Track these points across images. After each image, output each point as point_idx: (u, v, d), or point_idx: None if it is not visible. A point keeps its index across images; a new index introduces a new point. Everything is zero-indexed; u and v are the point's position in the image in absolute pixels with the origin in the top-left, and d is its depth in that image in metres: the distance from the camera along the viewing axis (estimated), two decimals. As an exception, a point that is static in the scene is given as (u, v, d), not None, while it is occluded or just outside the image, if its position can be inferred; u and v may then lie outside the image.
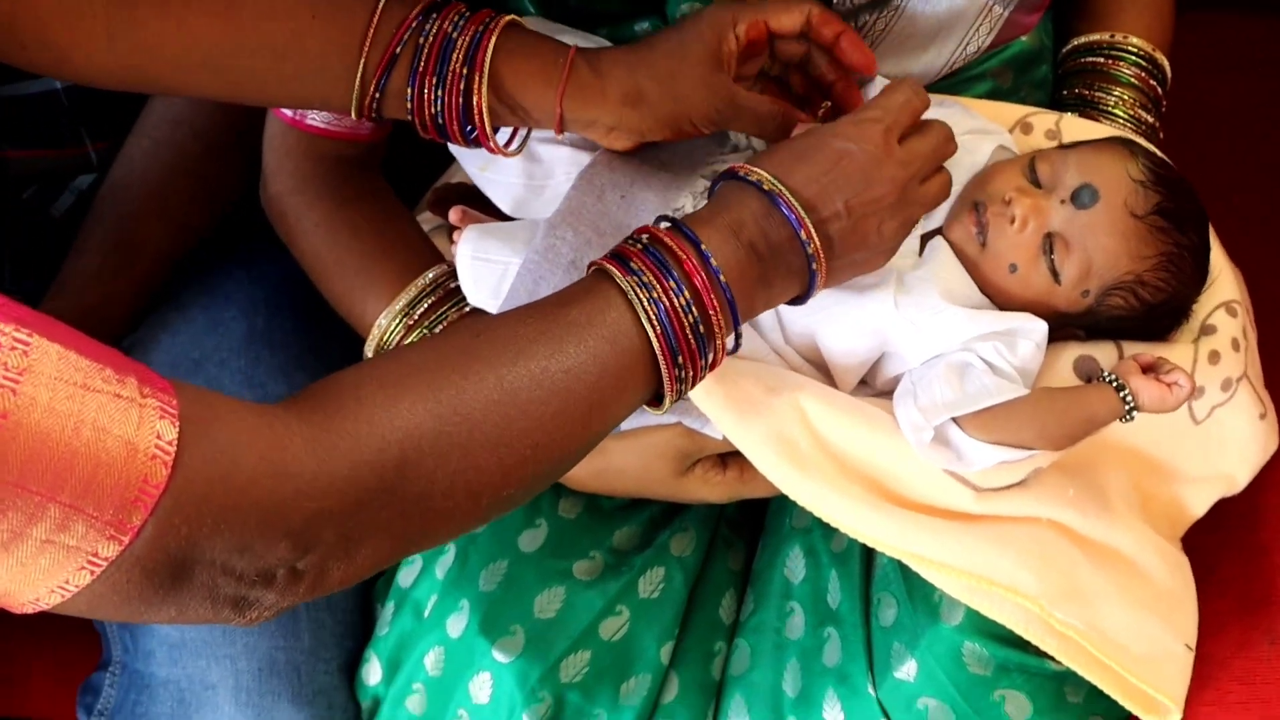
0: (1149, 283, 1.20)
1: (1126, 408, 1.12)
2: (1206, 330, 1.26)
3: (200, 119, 1.46)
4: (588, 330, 0.97)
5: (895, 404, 1.17)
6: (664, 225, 1.03)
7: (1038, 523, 1.16)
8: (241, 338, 1.44)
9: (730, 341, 1.05)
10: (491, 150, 1.16)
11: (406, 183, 1.42)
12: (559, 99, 1.13)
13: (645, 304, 0.98)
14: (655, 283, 0.99)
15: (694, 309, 0.99)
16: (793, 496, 1.16)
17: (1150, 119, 1.42)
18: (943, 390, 1.13)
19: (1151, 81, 1.44)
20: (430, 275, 1.31)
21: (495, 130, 1.16)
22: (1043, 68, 1.45)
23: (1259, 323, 1.30)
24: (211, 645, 1.31)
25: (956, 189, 1.22)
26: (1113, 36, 1.44)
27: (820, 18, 1.17)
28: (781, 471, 1.15)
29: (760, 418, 1.15)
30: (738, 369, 1.17)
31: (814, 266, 1.06)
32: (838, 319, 1.18)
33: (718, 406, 1.15)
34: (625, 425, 1.20)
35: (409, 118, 1.14)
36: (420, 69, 1.12)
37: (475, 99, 1.12)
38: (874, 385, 1.23)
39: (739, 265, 1.03)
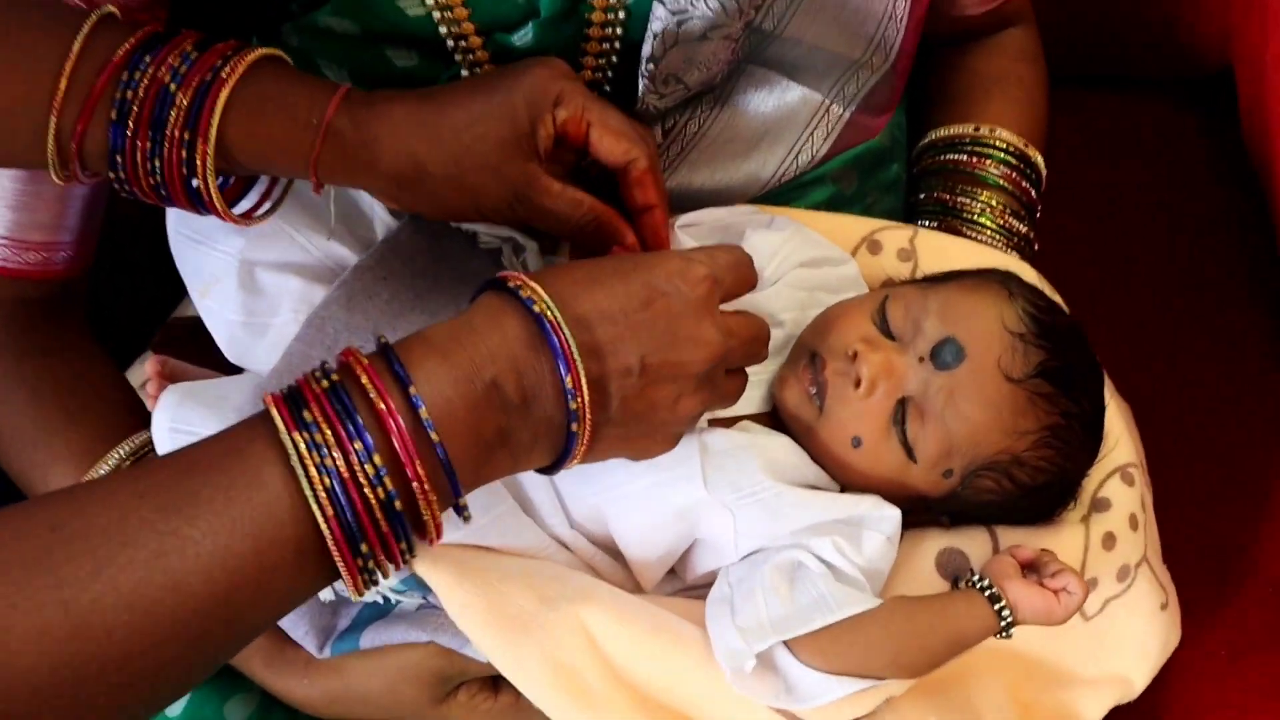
0: (1027, 462, 1.02)
1: (1003, 623, 0.95)
2: (1099, 505, 1.11)
3: None
4: (220, 516, 0.75)
5: (708, 616, 0.99)
6: (369, 352, 0.82)
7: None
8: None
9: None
10: (228, 219, 0.96)
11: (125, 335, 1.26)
12: (312, 172, 0.92)
13: (313, 473, 0.76)
14: (331, 443, 0.77)
15: (386, 481, 0.77)
16: None
17: (1023, 228, 1.27)
18: (768, 603, 0.95)
19: (1024, 184, 1.28)
20: (126, 449, 1.11)
21: (235, 191, 0.97)
22: (893, 167, 1.30)
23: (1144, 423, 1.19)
24: None
25: (775, 355, 1.06)
26: (977, 129, 1.29)
27: (639, 176, 1.01)
28: (562, 708, 0.96)
29: (532, 639, 0.96)
30: (503, 571, 0.98)
31: (574, 428, 0.85)
32: (631, 499, 0.99)
33: (477, 624, 0.96)
34: (365, 643, 1.04)
35: (120, 191, 0.94)
36: (129, 134, 0.89)
37: (200, 170, 0.90)
38: (685, 578, 1.06)
39: (469, 416, 0.81)
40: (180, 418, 1.01)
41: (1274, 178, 1.41)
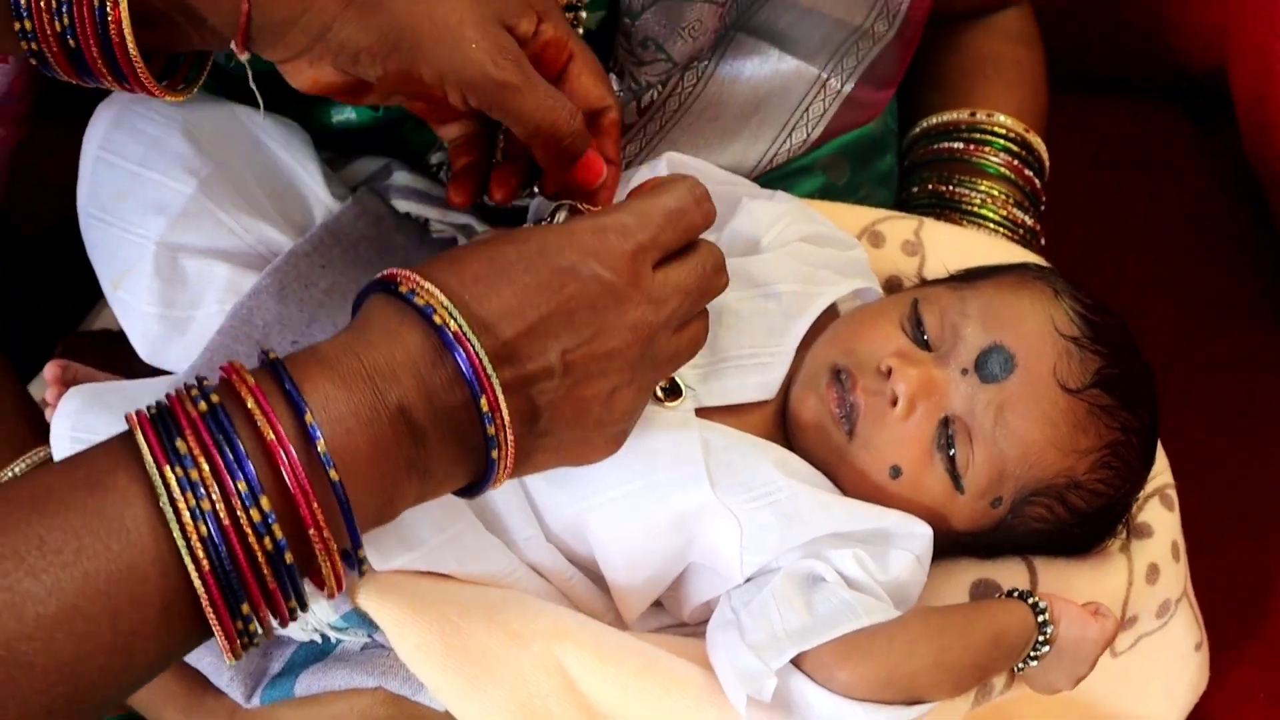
0: (1085, 485, 0.95)
1: (1039, 619, 0.90)
2: (1140, 531, 1.04)
3: None
4: (73, 565, 0.64)
5: (710, 646, 0.90)
6: (257, 372, 0.73)
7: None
8: None
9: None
10: (143, 88, 0.84)
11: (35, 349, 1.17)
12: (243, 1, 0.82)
13: (186, 519, 0.66)
14: (210, 481, 0.66)
15: (275, 529, 0.67)
16: None
17: (1028, 220, 1.23)
18: (784, 615, 0.87)
19: (1027, 172, 1.24)
20: (21, 465, 1.02)
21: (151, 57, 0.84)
22: (887, 157, 1.26)
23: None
24: None
25: (774, 332, 0.97)
26: (975, 115, 1.25)
27: (608, 126, 0.93)
28: None
29: (498, 681, 0.87)
30: (462, 603, 0.89)
31: (494, 455, 0.76)
32: (621, 506, 0.91)
33: (434, 666, 0.87)
34: (300, 689, 0.92)
35: (24, 45, 0.81)
36: None
37: (114, 10, 0.79)
38: (676, 613, 0.98)
39: (372, 449, 0.72)
40: (83, 425, 0.92)
41: (1277, 176, 1.38)
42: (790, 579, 0.89)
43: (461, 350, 0.74)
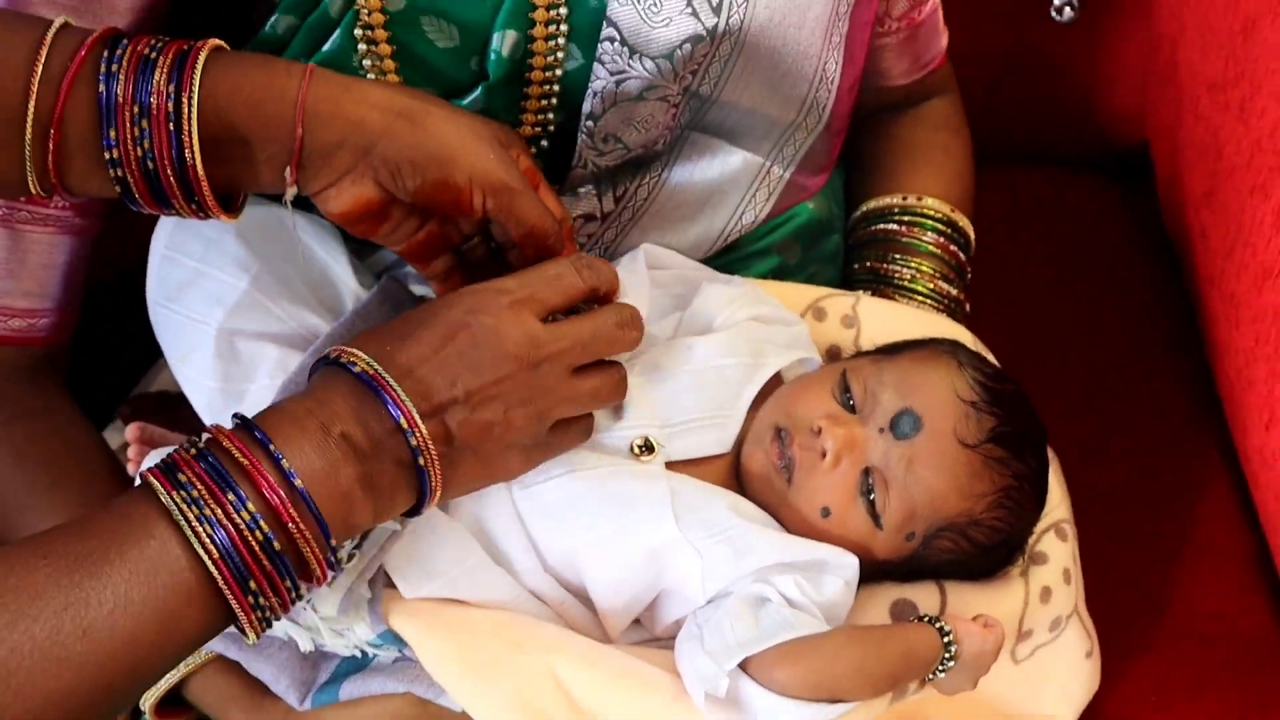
0: (983, 523, 1.06)
1: (945, 639, 1.00)
2: (1036, 559, 1.14)
3: None
4: (118, 568, 0.80)
5: (677, 654, 1.01)
6: (233, 424, 0.88)
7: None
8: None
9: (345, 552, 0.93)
10: (207, 208, 0.95)
11: (100, 395, 1.25)
12: (303, 90, 0.92)
13: (194, 523, 0.82)
14: (207, 496, 0.83)
15: (262, 524, 0.83)
16: None
17: (954, 291, 1.31)
18: (735, 628, 0.98)
19: (953, 247, 1.33)
20: None
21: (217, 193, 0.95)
22: (833, 238, 1.34)
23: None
24: None
25: (728, 398, 1.08)
26: (906, 199, 1.33)
27: (569, 231, 1.06)
28: None
29: (504, 685, 0.98)
30: (475, 623, 1.00)
31: (421, 462, 0.90)
32: (604, 542, 1.02)
33: (451, 672, 0.99)
34: (344, 694, 1.05)
35: (111, 173, 0.91)
36: (119, 97, 0.89)
37: (186, 131, 0.90)
38: (651, 629, 1.08)
39: (328, 467, 0.87)
40: None
41: (1191, 252, 1.47)
42: (742, 600, 0.99)
43: (379, 387, 0.89)
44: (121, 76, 0.89)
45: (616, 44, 1.05)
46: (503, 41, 1.06)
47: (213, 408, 1.10)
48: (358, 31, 1.04)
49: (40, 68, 0.87)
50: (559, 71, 1.08)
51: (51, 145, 0.89)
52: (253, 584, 0.83)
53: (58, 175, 0.90)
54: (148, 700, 1.10)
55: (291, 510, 0.85)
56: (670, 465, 1.05)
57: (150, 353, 1.23)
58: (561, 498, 1.02)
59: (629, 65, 1.06)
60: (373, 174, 0.96)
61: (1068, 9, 1.63)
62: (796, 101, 1.17)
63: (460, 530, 1.02)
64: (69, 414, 1.18)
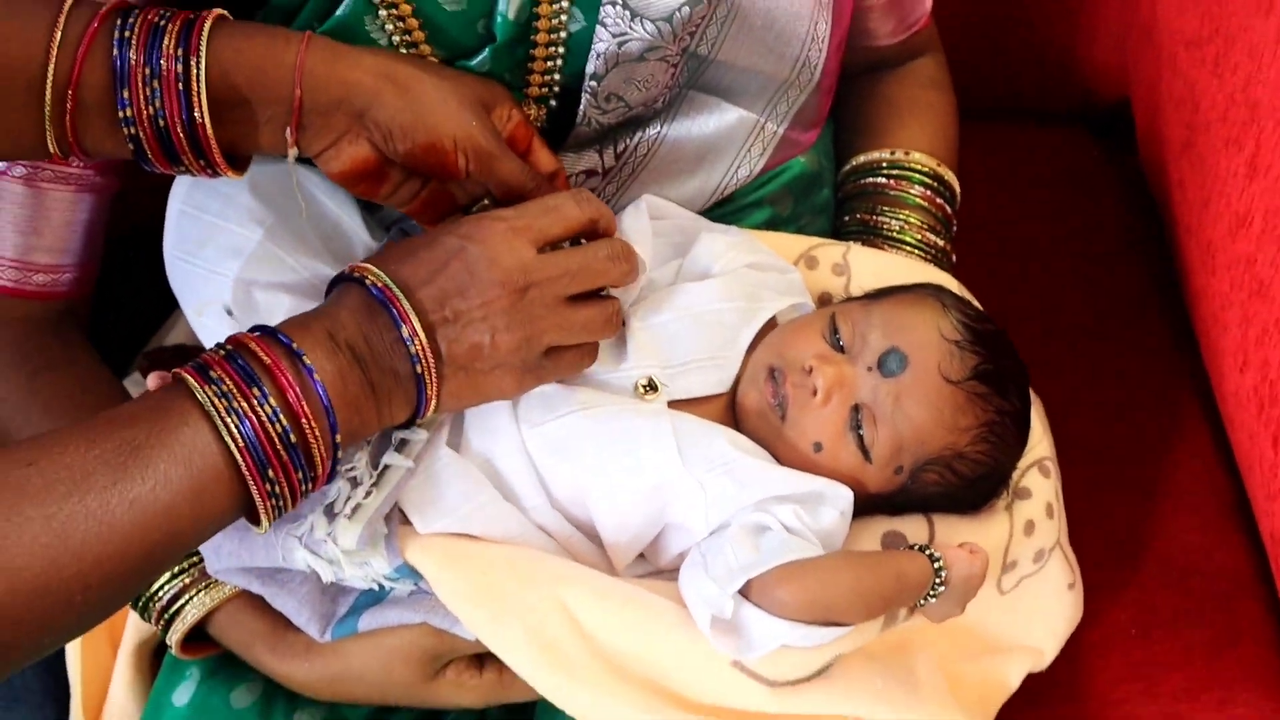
0: (968, 456, 1.10)
1: (935, 565, 1.04)
2: (1020, 494, 1.18)
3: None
4: (158, 451, 0.89)
5: (681, 581, 1.05)
6: (254, 332, 0.95)
7: (843, 721, 1.04)
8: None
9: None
10: (216, 168, 1.01)
11: (118, 346, 1.31)
12: (301, 53, 0.98)
13: (224, 415, 0.90)
14: (235, 391, 0.91)
15: (281, 418, 0.92)
16: (560, 706, 1.03)
17: (940, 242, 1.34)
18: (736, 553, 1.02)
19: (939, 200, 1.36)
20: None
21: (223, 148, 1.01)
22: (824, 191, 1.38)
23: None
24: None
25: (726, 340, 1.13)
26: (894, 154, 1.36)
27: (562, 183, 1.13)
28: (544, 678, 1.02)
29: (516, 615, 1.02)
30: (487, 557, 1.04)
31: (419, 370, 0.97)
32: (611, 476, 1.06)
33: (465, 603, 1.03)
34: (363, 626, 1.09)
35: (125, 131, 0.97)
36: (132, 61, 0.95)
37: (195, 92, 0.96)
38: (655, 562, 1.12)
39: (336, 370, 0.95)
40: None
41: (1170, 203, 1.50)
42: (743, 528, 1.03)
43: (388, 298, 0.96)
44: (134, 42, 0.95)
45: (618, 7, 1.09)
46: (508, 5, 1.10)
47: None
48: None
49: (59, 35, 0.93)
50: (563, 34, 1.12)
51: (69, 107, 0.94)
52: (270, 472, 0.91)
53: (75, 136, 0.96)
54: (174, 636, 1.14)
55: (305, 406, 0.92)
56: (671, 404, 1.09)
57: (166, 305, 1.28)
58: (568, 435, 1.06)
59: (630, 27, 1.10)
60: (367, 135, 1.02)
61: (1050, -35, 1.66)
62: (790, 60, 1.21)
63: (471, 468, 1.06)
64: (91, 364, 1.22)
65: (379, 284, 0.97)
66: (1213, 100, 1.34)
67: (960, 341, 1.10)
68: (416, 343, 0.96)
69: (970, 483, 1.12)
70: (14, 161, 1.11)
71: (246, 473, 0.91)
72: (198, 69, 0.96)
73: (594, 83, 1.14)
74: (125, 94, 0.95)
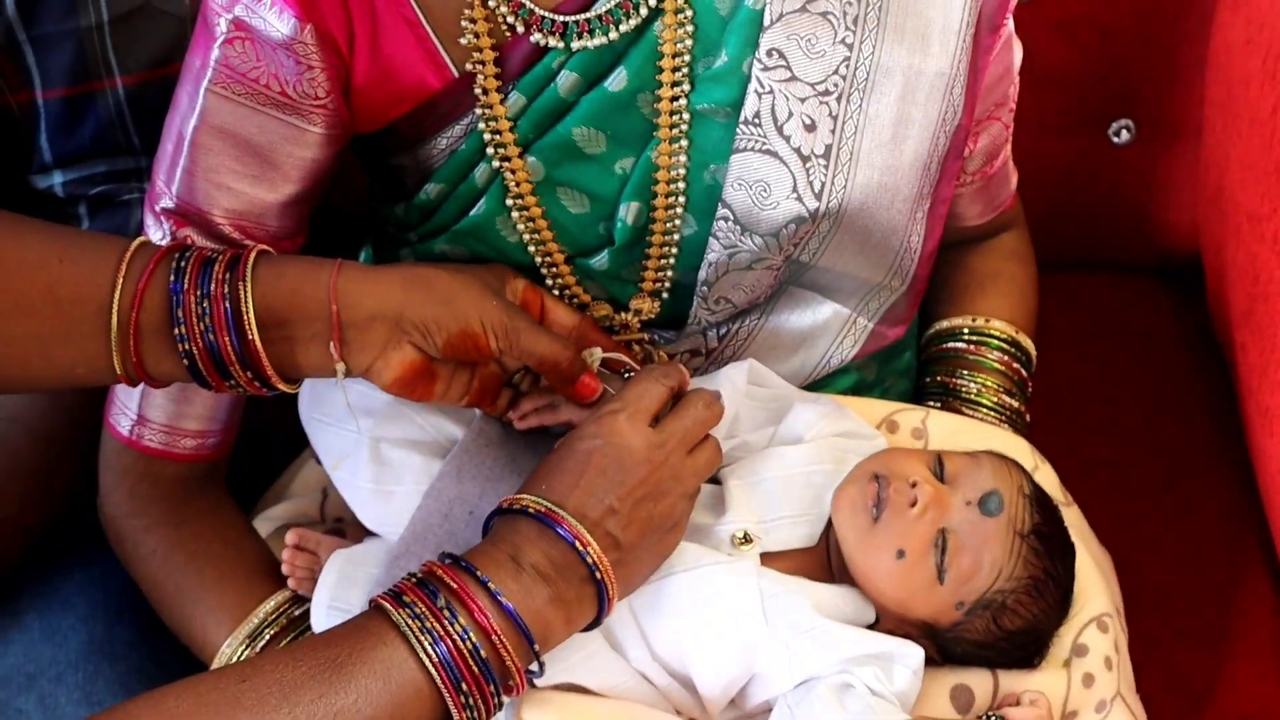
0: (1011, 607, 1.17)
1: None
2: (1079, 651, 1.23)
3: (36, 418, 1.39)
4: (359, 668, 0.98)
5: None
6: (445, 561, 1.04)
7: None
8: (80, 649, 1.37)
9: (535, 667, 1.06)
10: (269, 382, 1.09)
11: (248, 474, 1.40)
12: (334, 275, 1.08)
13: (418, 634, 0.99)
14: (428, 613, 1.00)
15: (472, 637, 1.00)
16: None
17: (1016, 404, 1.41)
18: (824, 713, 1.09)
19: (1015, 364, 1.42)
20: (271, 605, 1.27)
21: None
22: (906, 355, 1.45)
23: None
24: None
25: (815, 500, 1.21)
26: (975, 320, 1.44)
27: (591, 325, 1.22)
28: None
29: None
30: (598, 712, 1.12)
31: (598, 576, 1.06)
32: (704, 636, 1.14)
33: None
34: None
35: (180, 348, 1.06)
36: (184, 286, 1.05)
37: (242, 306, 1.06)
38: (742, 707, 1.18)
39: (523, 590, 1.04)
40: (339, 597, 1.19)
41: (1234, 363, 1.55)
42: (829, 687, 1.11)
43: (552, 519, 1.05)
44: (188, 271, 1.05)
45: (730, 222, 1.20)
46: (628, 211, 1.21)
47: (365, 506, 1.24)
48: (509, 201, 1.20)
49: (125, 268, 1.04)
50: (676, 237, 1.23)
51: (132, 333, 1.04)
52: (464, 686, 1.00)
53: (138, 358, 1.05)
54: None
55: (495, 625, 1.01)
56: (764, 555, 1.18)
57: (288, 451, 1.42)
58: (668, 595, 1.14)
59: (740, 241, 1.20)
60: (408, 339, 1.11)
61: (1124, 132, 1.79)
62: (884, 268, 1.28)
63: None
64: (230, 516, 1.34)
65: (540, 509, 1.06)
66: (1271, 274, 1.39)
67: (1031, 500, 1.18)
68: (592, 552, 1.05)
69: (1010, 635, 1.18)
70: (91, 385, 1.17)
71: (442, 687, 0.99)
72: (244, 292, 1.05)
73: (705, 288, 1.23)
74: (179, 313, 1.05)
